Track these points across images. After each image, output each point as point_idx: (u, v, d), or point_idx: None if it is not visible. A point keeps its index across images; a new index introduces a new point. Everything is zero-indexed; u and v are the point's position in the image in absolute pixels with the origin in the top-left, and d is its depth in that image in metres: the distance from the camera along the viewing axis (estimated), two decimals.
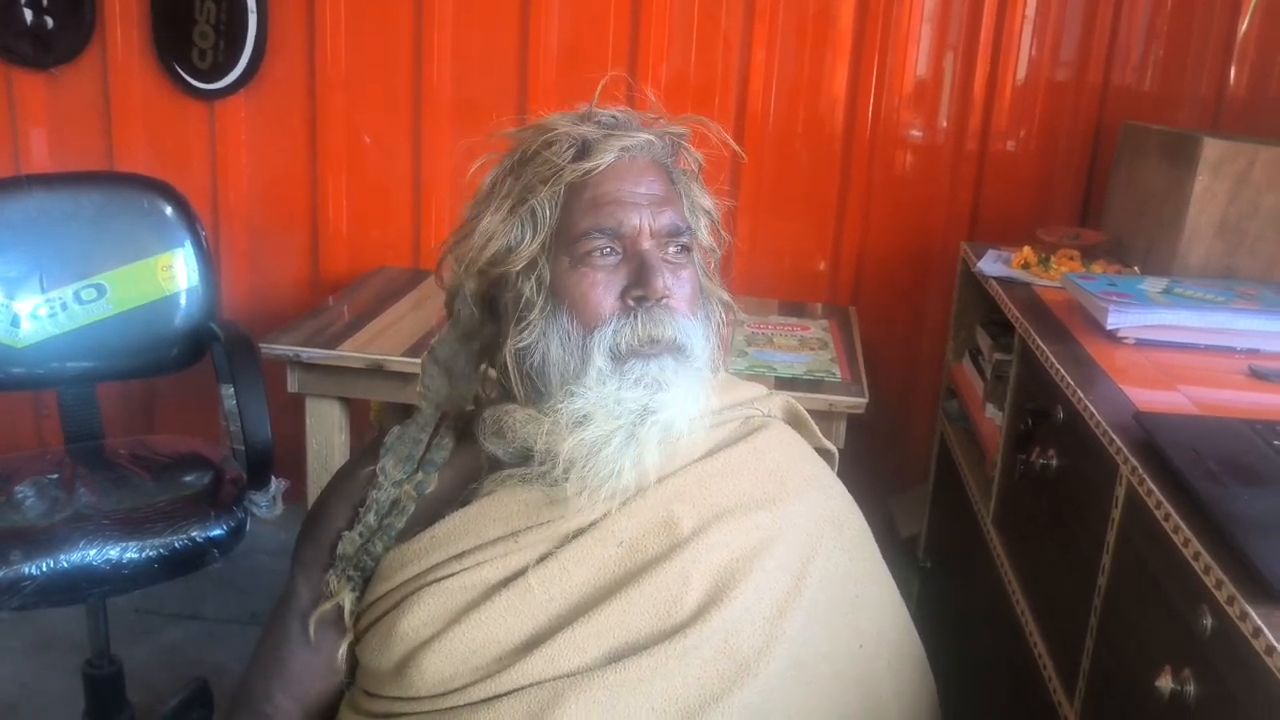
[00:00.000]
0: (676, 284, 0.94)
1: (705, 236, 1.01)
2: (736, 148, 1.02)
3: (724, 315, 1.02)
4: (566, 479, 0.89)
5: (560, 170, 0.93)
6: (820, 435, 1.10)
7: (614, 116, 0.97)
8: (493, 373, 1.02)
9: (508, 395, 0.97)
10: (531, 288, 0.93)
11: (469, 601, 0.91)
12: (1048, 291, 1.64)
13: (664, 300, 0.92)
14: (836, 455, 1.10)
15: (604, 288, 0.92)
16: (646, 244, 0.93)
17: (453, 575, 0.92)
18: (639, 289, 0.91)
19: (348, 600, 0.97)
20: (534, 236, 0.93)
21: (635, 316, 0.91)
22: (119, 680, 1.89)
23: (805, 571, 0.94)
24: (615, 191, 0.93)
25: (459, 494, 0.97)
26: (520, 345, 0.93)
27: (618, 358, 0.91)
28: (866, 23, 2.20)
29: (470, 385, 1.05)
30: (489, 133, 0.99)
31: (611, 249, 0.92)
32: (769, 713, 0.88)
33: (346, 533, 0.99)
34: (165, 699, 1.99)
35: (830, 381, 1.77)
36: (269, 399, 1.77)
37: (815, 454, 1.07)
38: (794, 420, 1.09)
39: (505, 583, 0.90)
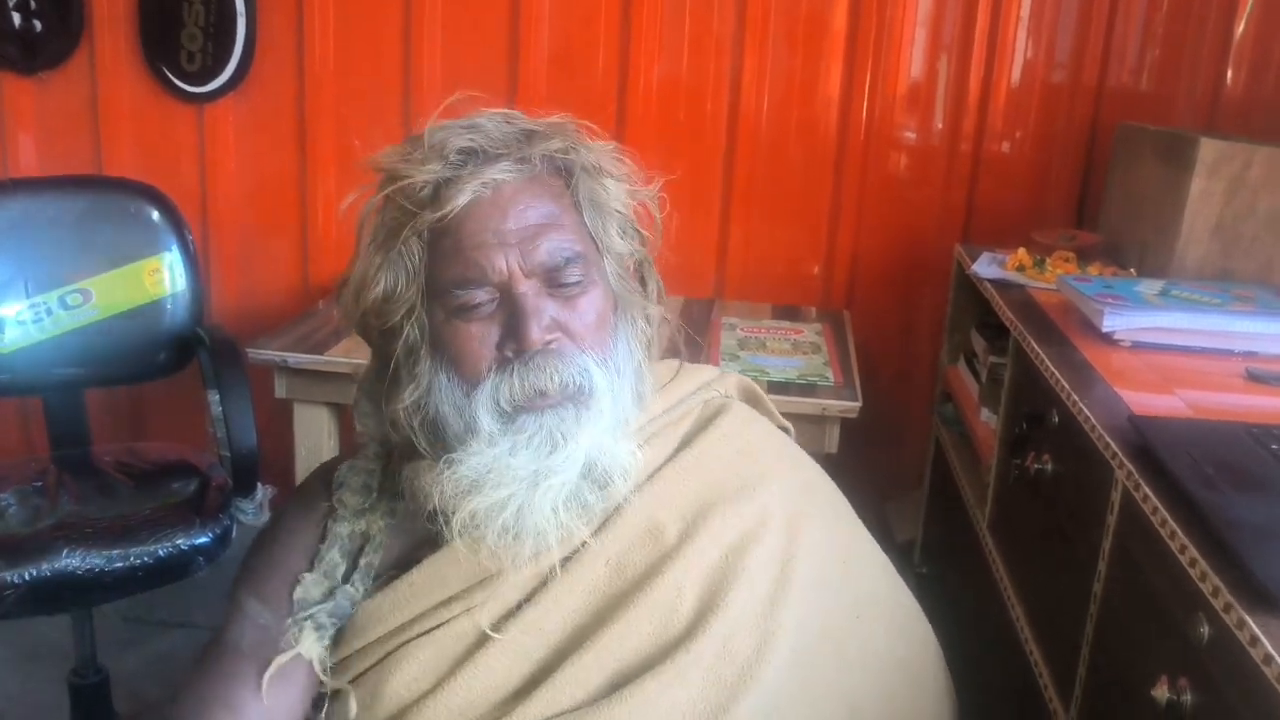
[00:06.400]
0: (572, 317, 0.84)
1: (617, 242, 0.89)
2: (625, 154, 0.91)
3: (647, 325, 0.92)
4: (476, 546, 0.83)
5: (416, 216, 0.83)
6: (776, 413, 1.07)
7: (470, 140, 0.84)
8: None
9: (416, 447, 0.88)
10: (415, 336, 0.85)
11: (464, 650, 0.85)
12: (1043, 294, 1.63)
13: (551, 344, 0.83)
14: (793, 432, 1.07)
15: (479, 341, 0.83)
16: (521, 286, 0.82)
17: (442, 624, 0.85)
18: (512, 341, 0.82)
19: (315, 653, 0.88)
20: (409, 283, 0.84)
21: (513, 370, 0.82)
22: (105, 690, 1.86)
23: (792, 554, 0.91)
24: (477, 234, 0.82)
25: (429, 532, 0.88)
26: (411, 400, 0.85)
27: (505, 416, 0.82)
28: (860, 25, 2.19)
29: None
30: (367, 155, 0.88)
31: (484, 298, 0.83)
32: (778, 710, 0.85)
33: (307, 574, 0.90)
34: (153, 708, 1.97)
35: (823, 385, 1.76)
36: (258, 404, 1.75)
37: (776, 429, 1.04)
38: (750, 398, 1.05)
39: (498, 625, 0.85)
